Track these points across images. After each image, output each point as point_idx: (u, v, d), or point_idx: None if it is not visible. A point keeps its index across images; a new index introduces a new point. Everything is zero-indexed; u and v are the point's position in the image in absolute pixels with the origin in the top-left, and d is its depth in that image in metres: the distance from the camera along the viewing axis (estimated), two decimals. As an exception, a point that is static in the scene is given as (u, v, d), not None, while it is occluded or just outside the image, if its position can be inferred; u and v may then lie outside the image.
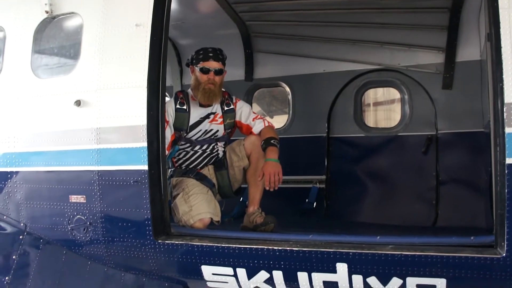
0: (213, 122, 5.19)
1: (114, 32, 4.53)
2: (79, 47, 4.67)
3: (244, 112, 5.25)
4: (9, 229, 4.94)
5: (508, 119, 3.43)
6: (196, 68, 5.04)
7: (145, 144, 4.27)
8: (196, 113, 5.10)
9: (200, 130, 5.14)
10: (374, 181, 6.71)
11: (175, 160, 5.23)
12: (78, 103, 4.53)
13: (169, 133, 4.91)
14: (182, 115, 5.08)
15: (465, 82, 6.22)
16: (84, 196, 4.56)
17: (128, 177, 4.36)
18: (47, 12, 4.78)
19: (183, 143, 5.15)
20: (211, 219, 4.75)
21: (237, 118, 5.26)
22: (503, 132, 3.45)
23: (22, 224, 4.88)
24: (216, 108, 5.18)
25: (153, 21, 4.36)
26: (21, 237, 4.84)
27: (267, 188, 4.70)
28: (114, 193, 4.47)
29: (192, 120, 5.09)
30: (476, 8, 5.88)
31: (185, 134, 5.10)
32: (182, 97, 5.12)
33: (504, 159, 3.44)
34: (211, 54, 4.99)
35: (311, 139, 6.81)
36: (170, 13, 4.53)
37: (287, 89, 7.22)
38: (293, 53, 7.10)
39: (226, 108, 5.23)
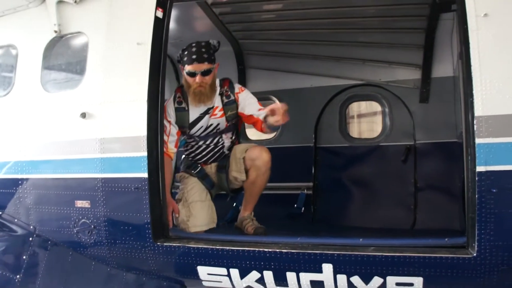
0: (213, 117, 4.85)
1: (117, 50, 4.55)
2: (85, 64, 4.68)
3: (248, 103, 4.81)
4: (19, 231, 4.92)
5: (478, 130, 3.49)
6: (183, 70, 4.71)
7: (145, 153, 4.28)
8: (195, 110, 4.83)
9: (202, 126, 4.89)
10: (357, 187, 6.71)
11: (184, 150, 5.13)
12: (83, 115, 4.54)
13: (174, 130, 4.81)
14: (181, 113, 4.85)
15: (440, 96, 6.25)
16: (89, 201, 4.55)
17: (129, 184, 4.36)
18: (56, 31, 4.81)
19: (188, 139, 5.05)
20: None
21: (240, 110, 4.85)
22: (474, 143, 3.51)
23: (31, 227, 4.87)
24: (216, 101, 4.83)
25: (153, 40, 4.38)
26: (30, 239, 4.82)
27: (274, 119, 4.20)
28: (116, 198, 4.48)
29: (192, 118, 4.85)
30: (449, 29, 5.96)
31: (188, 131, 4.94)
32: (179, 95, 4.85)
33: (475, 167, 3.50)
34: (194, 56, 4.59)
35: (299, 149, 6.83)
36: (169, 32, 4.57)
37: (277, 102, 7.22)
38: (282, 69, 7.12)
39: (226, 100, 4.83)
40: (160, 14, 4.44)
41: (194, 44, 4.69)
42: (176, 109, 4.85)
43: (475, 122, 3.50)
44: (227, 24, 6.61)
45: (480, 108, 3.49)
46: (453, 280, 3.70)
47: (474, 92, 3.52)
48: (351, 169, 6.83)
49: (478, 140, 3.49)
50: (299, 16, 6.42)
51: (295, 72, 7.05)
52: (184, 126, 4.88)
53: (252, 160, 4.71)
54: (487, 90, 3.50)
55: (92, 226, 4.57)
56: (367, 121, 9.21)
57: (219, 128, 4.92)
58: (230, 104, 4.83)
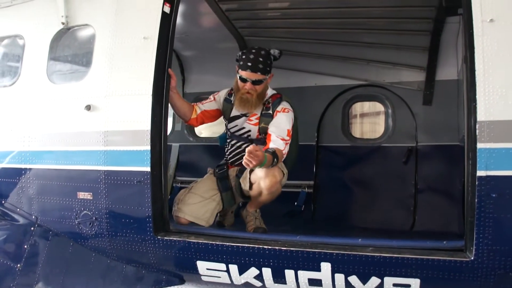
0: (249, 122, 4.84)
1: (124, 44, 4.56)
2: (91, 56, 4.69)
3: (277, 122, 4.63)
4: (21, 220, 4.95)
5: (479, 135, 3.51)
6: (237, 71, 4.72)
7: (148, 147, 4.30)
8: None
9: (237, 125, 4.91)
10: (358, 187, 6.74)
11: (225, 146, 5.10)
12: (88, 107, 4.56)
13: (209, 106, 4.99)
14: (227, 105, 4.94)
15: (444, 99, 6.27)
16: (91, 193, 4.58)
17: (131, 177, 4.39)
18: (63, 23, 4.82)
19: (228, 137, 5.04)
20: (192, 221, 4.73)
21: (270, 124, 4.68)
22: (475, 147, 3.52)
23: (33, 217, 4.90)
24: (258, 109, 4.79)
25: (159, 34, 4.40)
26: (32, 228, 4.85)
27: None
28: (118, 191, 4.50)
29: (233, 113, 4.89)
30: (454, 33, 5.96)
31: (226, 123, 5.00)
32: (231, 88, 4.91)
33: (475, 172, 3.52)
34: (249, 64, 4.58)
35: (301, 147, 6.82)
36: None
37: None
38: (287, 67, 7.10)
39: (264, 112, 4.77)
40: (167, 9, 4.46)
41: (254, 50, 4.68)
42: (225, 99, 4.97)
43: (477, 127, 3.52)
44: (233, 21, 6.63)
45: (483, 113, 3.51)
46: (450, 283, 3.71)
47: (477, 96, 3.53)
48: (352, 168, 6.86)
49: (479, 145, 3.51)
50: (304, 15, 6.44)
51: (299, 70, 7.07)
52: (225, 117, 4.99)
53: (257, 178, 4.57)
54: (490, 95, 3.51)
55: (94, 218, 4.60)
56: (369, 122, 9.21)
57: (250, 135, 4.89)
58: (267, 117, 4.75)
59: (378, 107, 7.52)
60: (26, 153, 4.89)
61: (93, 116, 4.56)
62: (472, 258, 3.57)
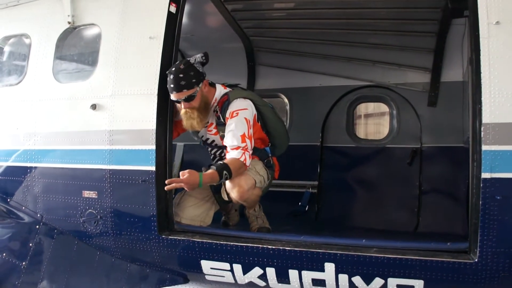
0: (209, 132, 4.74)
1: (129, 43, 4.57)
2: (97, 56, 4.71)
3: (227, 131, 4.39)
4: (26, 219, 4.97)
5: (485, 137, 3.50)
6: None
7: (153, 147, 4.31)
8: None
9: (202, 135, 4.86)
10: (362, 188, 6.74)
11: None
12: (94, 106, 4.57)
13: (178, 115, 4.63)
14: None
15: (449, 101, 6.27)
16: (96, 192, 4.59)
17: (136, 176, 4.40)
18: (69, 22, 4.84)
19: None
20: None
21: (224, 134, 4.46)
22: (480, 149, 3.51)
23: (38, 215, 4.92)
24: (212, 117, 4.65)
25: (165, 34, 4.41)
26: (37, 226, 4.88)
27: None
28: (123, 190, 4.50)
29: None
30: (460, 34, 5.96)
31: (194, 135, 4.93)
32: None
33: (480, 174, 3.51)
34: (172, 86, 4.28)
35: (306, 147, 6.86)
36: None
37: (285, 100, 7.24)
38: (292, 67, 7.15)
39: (217, 120, 4.60)
40: (173, 9, 4.47)
41: (173, 70, 4.32)
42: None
43: (482, 129, 3.51)
44: (239, 21, 6.64)
45: (488, 115, 3.50)
46: (454, 284, 3.70)
47: (482, 99, 3.53)
48: (356, 169, 6.86)
49: (484, 147, 3.50)
50: (310, 15, 6.44)
51: (304, 71, 7.08)
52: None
53: (228, 189, 4.45)
54: (496, 98, 3.50)
55: (99, 217, 4.62)
56: (374, 123, 9.21)
57: (216, 144, 4.78)
58: (221, 125, 4.55)
59: (383, 108, 7.52)
60: (31, 152, 4.91)
61: (98, 115, 4.57)
62: (476, 260, 3.56)
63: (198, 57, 4.45)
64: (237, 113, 4.43)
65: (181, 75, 4.28)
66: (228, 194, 4.52)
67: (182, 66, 4.32)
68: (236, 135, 4.32)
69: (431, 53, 6.35)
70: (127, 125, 4.49)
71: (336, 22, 6.51)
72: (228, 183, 4.37)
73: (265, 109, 4.77)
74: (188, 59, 4.45)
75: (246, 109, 4.51)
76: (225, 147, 4.44)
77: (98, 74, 4.68)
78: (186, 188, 4.09)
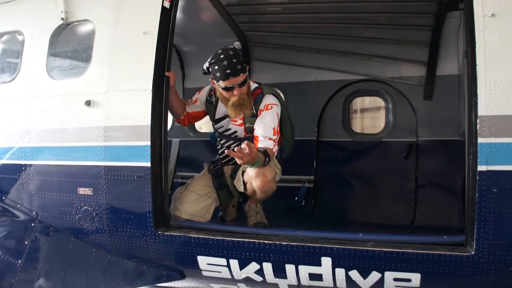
0: (233, 122, 4.74)
1: (123, 39, 4.55)
2: (91, 52, 4.68)
3: (261, 121, 4.45)
4: (22, 216, 4.95)
5: (480, 130, 3.51)
6: (216, 84, 4.53)
7: (148, 143, 4.30)
8: (222, 108, 4.75)
9: (223, 126, 4.84)
10: (358, 182, 6.76)
11: (216, 145, 5.04)
12: (88, 103, 4.55)
13: (194, 108, 4.92)
14: (209, 106, 4.84)
15: (444, 94, 6.28)
16: (91, 189, 4.58)
17: (132, 172, 4.39)
18: (62, 19, 4.80)
19: (218, 135, 4.99)
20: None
21: (255, 125, 4.52)
22: (476, 142, 3.52)
23: (34, 213, 4.90)
24: None
25: (159, 30, 4.39)
26: (33, 224, 4.85)
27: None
28: (118, 187, 4.49)
29: (217, 115, 4.82)
30: (455, 27, 5.96)
31: (213, 124, 4.94)
32: (212, 89, 4.78)
33: (476, 166, 3.52)
34: (228, 71, 4.33)
35: (302, 142, 6.84)
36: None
37: (281, 95, 7.23)
38: (287, 62, 7.14)
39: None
40: (167, 4, 4.45)
41: (222, 57, 4.40)
42: (207, 100, 4.88)
43: (478, 122, 3.52)
44: (233, 16, 6.62)
45: (484, 108, 3.51)
46: (451, 277, 3.72)
47: (478, 91, 3.53)
48: (352, 163, 6.88)
49: (480, 140, 3.51)
50: (305, 9, 6.43)
51: (300, 65, 7.08)
52: (210, 118, 4.93)
53: (249, 178, 4.44)
54: (491, 90, 3.51)
55: (94, 214, 4.60)
56: (370, 117, 9.23)
57: (237, 135, 4.80)
58: (251, 117, 4.58)
59: (379, 102, 7.53)
60: (26, 149, 4.88)
61: (93, 111, 4.55)
62: (473, 252, 3.58)
63: (237, 44, 4.60)
64: (272, 107, 4.55)
65: (234, 60, 4.39)
66: (245, 185, 4.52)
67: (231, 52, 4.44)
68: (270, 126, 4.42)
69: (426, 46, 6.35)
70: (122, 121, 4.47)
71: (331, 16, 6.49)
72: (252, 171, 4.35)
73: (284, 110, 4.79)
74: (230, 46, 4.55)
75: (277, 105, 4.62)
76: (242, 140, 4.50)
77: (92, 70, 4.65)
78: (241, 162, 3.93)
